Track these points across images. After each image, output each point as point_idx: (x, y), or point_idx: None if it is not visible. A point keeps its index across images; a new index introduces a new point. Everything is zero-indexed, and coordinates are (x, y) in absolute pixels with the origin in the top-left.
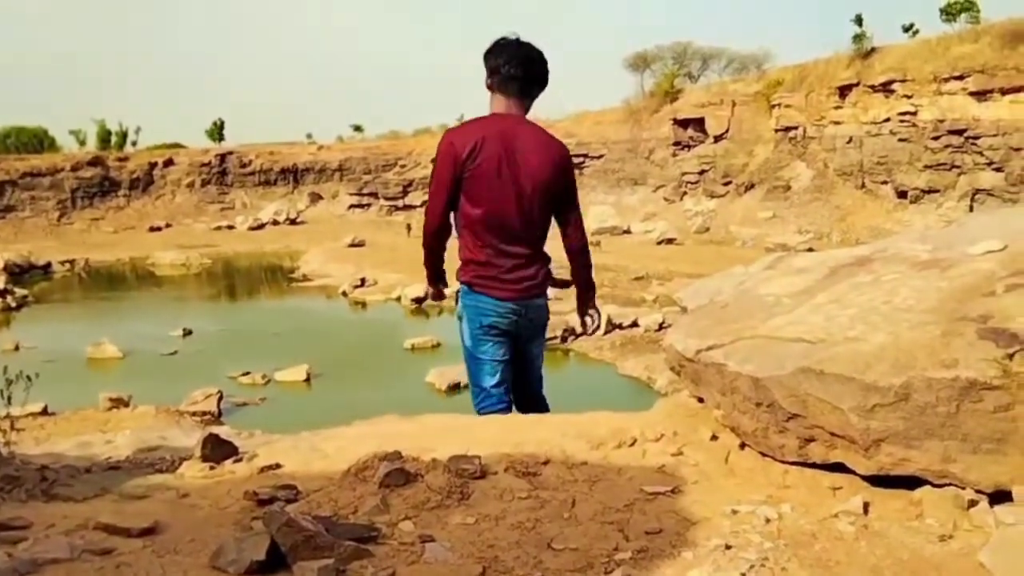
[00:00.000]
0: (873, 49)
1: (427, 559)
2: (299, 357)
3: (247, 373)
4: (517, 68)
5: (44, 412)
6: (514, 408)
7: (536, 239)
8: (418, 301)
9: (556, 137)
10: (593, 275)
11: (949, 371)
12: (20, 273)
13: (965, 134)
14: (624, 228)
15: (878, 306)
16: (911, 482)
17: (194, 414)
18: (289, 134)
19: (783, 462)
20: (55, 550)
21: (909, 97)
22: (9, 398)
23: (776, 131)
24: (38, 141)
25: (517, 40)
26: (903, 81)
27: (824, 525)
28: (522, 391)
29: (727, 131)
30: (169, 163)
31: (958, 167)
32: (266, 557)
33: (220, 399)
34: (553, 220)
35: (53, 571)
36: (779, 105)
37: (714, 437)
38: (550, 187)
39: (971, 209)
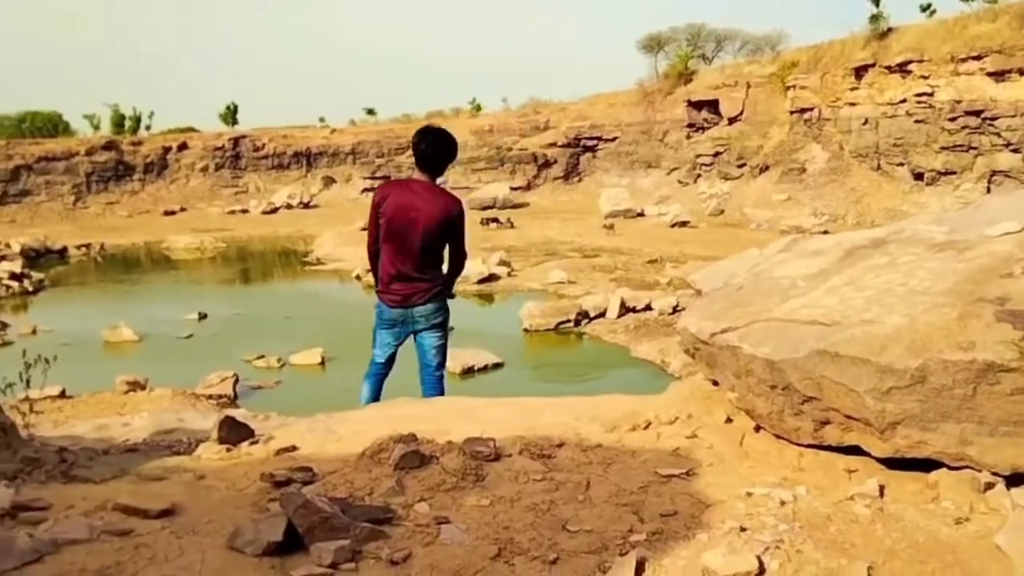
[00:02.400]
0: (890, 29)
1: (443, 540)
2: (313, 340)
3: (262, 356)
4: (428, 147)
5: (62, 395)
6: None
7: (422, 267)
8: None
9: (453, 196)
10: (455, 281)
11: (966, 353)
12: (36, 257)
13: (982, 115)
14: (638, 211)
15: (894, 288)
16: (927, 464)
17: (210, 397)
18: (302, 117)
19: (798, 445)
20: (75, 531)
21: (926, 78)
22: (28, 381)
23: (791, 113)
24: (52, 126)
25: (428, 128)
26: (920, 61)
27: (839, 507)
28: (421, 368)
29: (741, 113)
30: (183, 147)
31: (975, 148)
32: (283, 538)
33: (236, 382)
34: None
35: (73, 551)
36: (794, 86)
37: (729, 420)
38: (435, 232)
39: (988, 191)
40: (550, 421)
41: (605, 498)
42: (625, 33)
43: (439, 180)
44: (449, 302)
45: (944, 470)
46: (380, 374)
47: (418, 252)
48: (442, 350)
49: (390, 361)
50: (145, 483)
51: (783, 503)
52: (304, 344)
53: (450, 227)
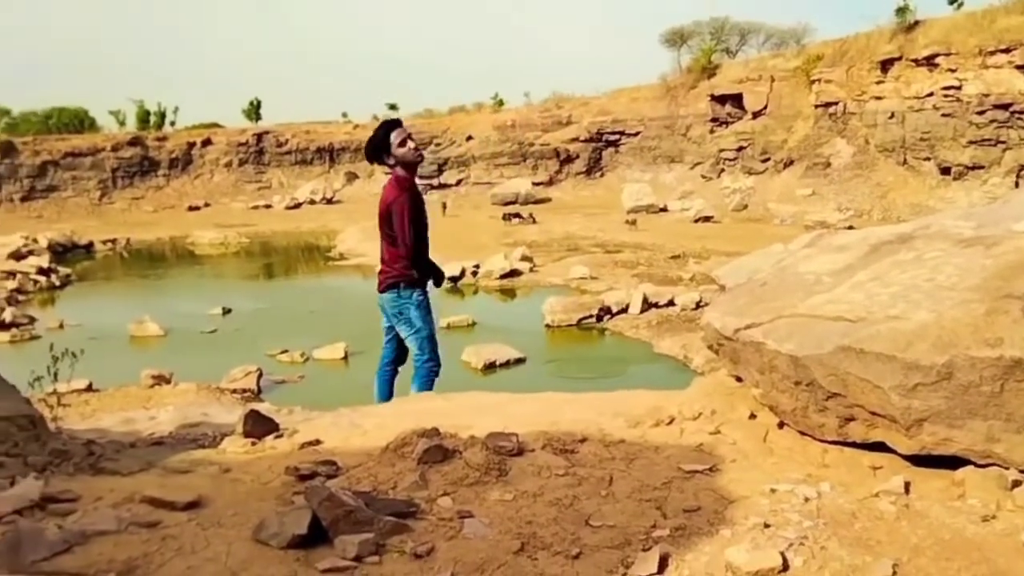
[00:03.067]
0: (916, 22)
1: (466, 534)
2: (336, 335)
3: (286, 351)
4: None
5: (89, 388)
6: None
7: (384, 255)
8: (453, 280)
9: (393, 188)
10: (427, 261)
11: (993, 350)
12: (63, 252)
13: (1011, 108)
14: (660, 206)
15: (920, 284)
16: (953, 462)
17: (234, 391)
18: (324, 113)
19: (822, 441)
20: (103, 522)
21: (953, 71)
22: (56, 374)
23: (816, 107)
24: (79, 122)
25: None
26: (947, 55)
27: (864, 504)
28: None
29: (766, 107)
30: (207, 143)
31: (1003, 143)
32: (308, 531)
33: (259, 376)
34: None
35: (101, 543)
36: (819, 80)
37: (752, 416)
38: (384, 221)
39: (1016, 185)
40: (573, 416)
41: (628, 493)
42: (648, 27)
43: (391, 169)
44: (472, 298)
45: (970, 467)
46: (385, 368)
47: (382, 240)
48: (416, 340)
49: (393, 353)
50: (171, 476)
51: (807, 499)
52: (327, 339)
53: (389, 216)
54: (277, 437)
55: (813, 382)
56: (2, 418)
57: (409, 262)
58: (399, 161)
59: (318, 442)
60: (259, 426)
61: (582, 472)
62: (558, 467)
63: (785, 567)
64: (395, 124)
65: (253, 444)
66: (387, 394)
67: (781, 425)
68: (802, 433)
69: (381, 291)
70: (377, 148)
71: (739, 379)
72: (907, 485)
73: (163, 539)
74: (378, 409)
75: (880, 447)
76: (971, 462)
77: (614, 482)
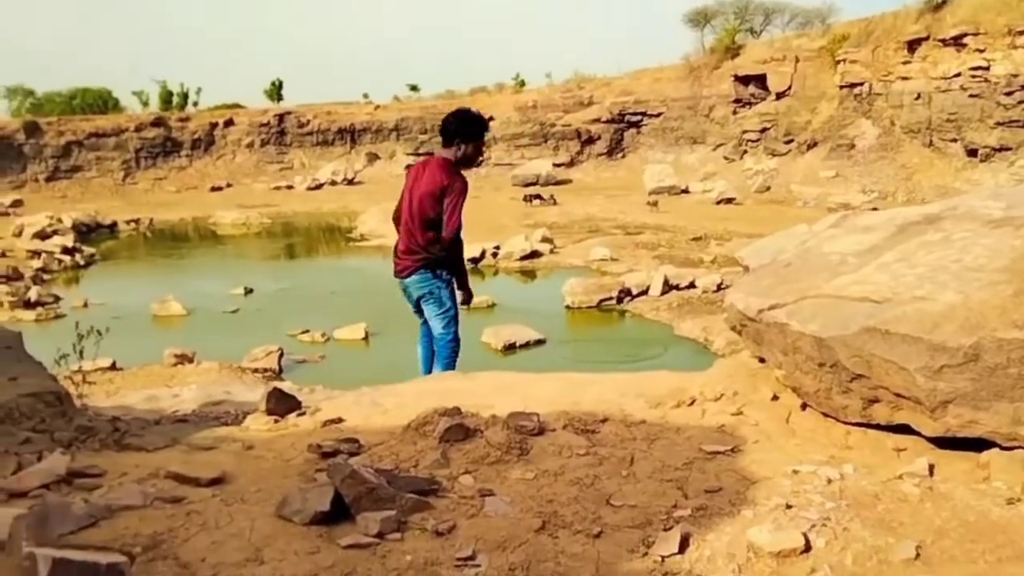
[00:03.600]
0: (944, 1)
1: (487, 512)
2: (357, 315)
3: (307, 331)
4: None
5: (112, 367)
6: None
7: (415, 240)
8: (474, 261)
9: (444, 170)
10: (463, 264)
11: (1021, 331)
12: (87, 232)
13: None
14: (682, 188)
15: (948, 265)
16: (978, 444)
17: (256, 371)
18: (346, 94)
19: (845, 423)
20: (128, 497)
21: (981, 51)
22: (81, 352)
23: (841, 87)
24: (102, 102)
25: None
26: (975, 34)
27: (888, 486)
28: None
29: (790, 88)
30: (229, 123)
31: None
32: (330, 508)
33: (281, 356)
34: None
35: (127, 517)
36: (844, 60)
37: (775, 397)
38: (424, 205)
39: None
40: (594, 397)
41: (649, 473)
42: (671, 7)
43: (451, 153)
44: (492, 279)
45: (996, 450)
46: (424, 340)
47: (412, 222)
48: (445, 318)
49: (424, 327)
50: (195, 452)
51: (830, 481)
52: (348, 319)
53: (436, 197)
54: (299, 415)
55: (837, 363)
56: (29, 394)
57: (445, 247)
58: (465, 155)
59: (340, 420)
60: (282, 404)
61: (603, 452)
62: (579, 447)
63: (807, 548)
64: (487, 128)
65: (276, 422)
66: (428, 365)
67: (804, 407)
68: (825, 415)
69: (406, 276)
70: (463, 130)
71: (762, 360)
72: (931, 467)
73: (187, 514)
74: (399, 388)
75: (904, 429)
76: (996, 444)
77: (635, 462)
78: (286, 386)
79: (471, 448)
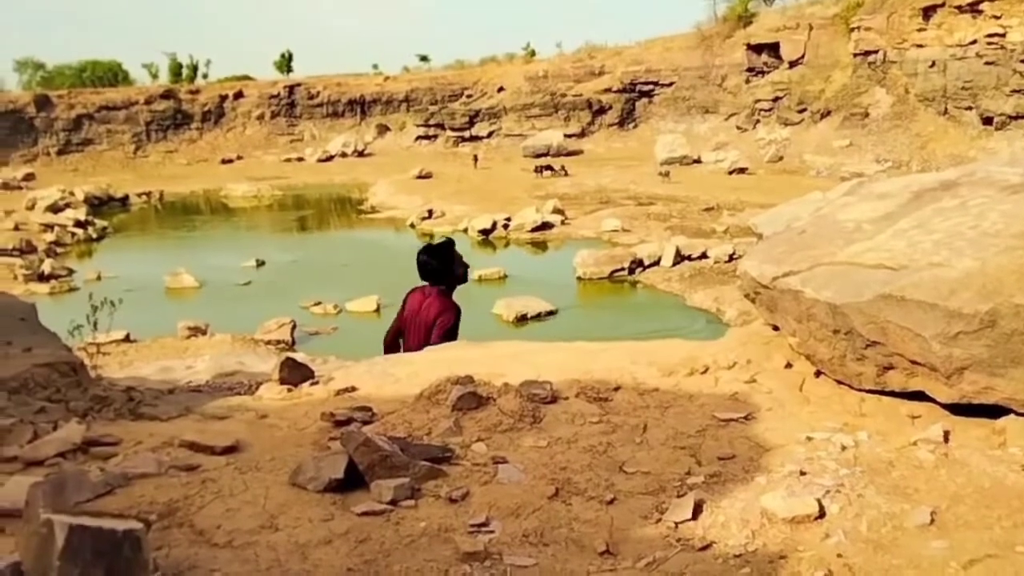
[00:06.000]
0: None
1: (500, 479)
2: (369, 287)
3: (319, 303)
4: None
5: (127, 339)
6: None
7: None
8: (485, 233)
9: (441, 301)
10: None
11: None
12: (99, 205)
13: None
14: (694, 158)
15: (964, 231)
16: (993, 411)
17: (268, 342)
18: (355, 65)
19: (860, 390)
20: (144, 465)
21: (998, 17)
22: (95, 324)
23: (855, 55)
24: (112, 75)
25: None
26: (992, 0)
27: (902, 453)
28: None
29: (803, 56)
30: (239, 95)
31: None
32: (344, 475)
33: (293, 328)
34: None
35: (142, 485)
36: (858, 28)
37: (788, 365)
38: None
39: None
40: (606, 365)
41: (662, 441)
42: None
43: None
44: (503, 251)
45: (1012, 416)
46: None
47: (406, 345)
48: None
49: None
50: (209, 421)
51: (844, 448)
52: (360, 291)
53: (429, 327)
54: (313, 384)
55: (852, 330)
56: (44, 364)
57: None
58: (458, 282)
59: (353, 389)
60: (295, 373)
61: (616, 420)
62: (592, 414)
63: (821, 514)
64: (453, 242)
65: (289, 391)
66: None
67: (818, 374)
68: (839, 382)
69: None
70: (446, 268)
71: (775, 328)
72: (946, 434)
73: (202, 482)
74: (411, 357)
75: (919, 396)
76: (1012, 411)
77: (648, 430)
78: (299, 357)
79: (484, 416)
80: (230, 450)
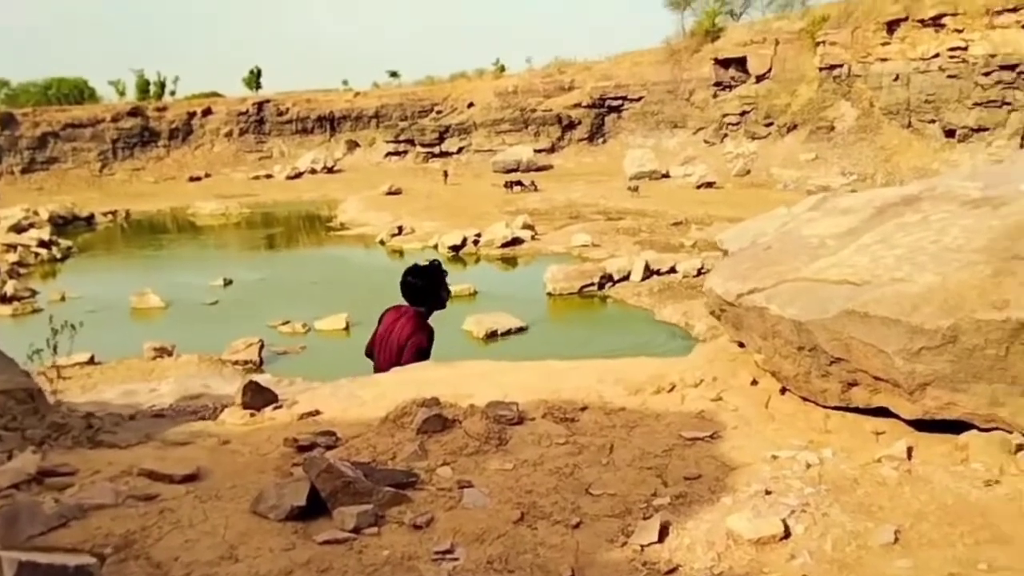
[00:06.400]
0: None
1: (465, 504)
2: (338, 305)
3: (287, 322)
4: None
5: (91, 361)
6: None
7: None
8: (455, 249)
9: (413, 323)
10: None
11: (1000, 312)
12: (64, 224)
13: (1017, 69)
14: (663, 172)
15: (926, 246)
16: (956, 426)
17: (236, 363)
18: (325, 81)
19: (824, 407)
20: (100, 496)
21: (960, 31)
22: (55, 347)
23: (820, 69)
24: (78, 92)
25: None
26: (954, 15)
27: (867, 470)
28: None
29: (770, 70)
30: (207, 112)
31: (1009, 104)
32: (306, 503)
33: (261, 348)
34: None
35: (99, 516)
36: (824, 42)
37: (754, 382)
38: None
39: (1022, 147)
40: (574, 384)
41: (629, 461)
42: None
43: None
44: (474, 267)
45: (974, 431)
46: None
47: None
48: None
49: None
50: (170, 448)
51: (809, 466)
52: (329, 309)
53: (400, 348)
54: (276, 408)
55: (816, 347)
56: (0, 391)
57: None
58: (439, 306)
59: (317, 413)
60: (258, 397)
61: (583, 440)
62: (558, 435)
63: (787, 534)
64: (440, 264)
65: (252, 415)
66: None
67: (783, 391)
68: (804, 399)
69: None
70: (431, 290)
71: (741, 345)
72: (910, 450)
73: (161, 512)
74: (378, 379)
75: (883, 412)
76: (975, 426)
77: (615, 450)
78: (265, 378)
79: (449, 439)
80: (190, 478)
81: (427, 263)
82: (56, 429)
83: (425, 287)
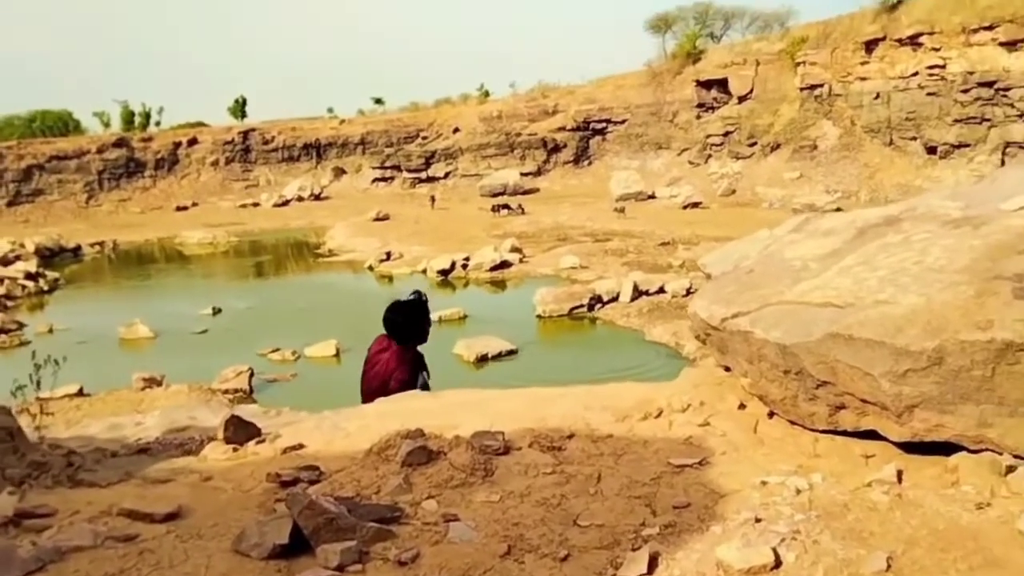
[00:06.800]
0: (899, 1)
1: (451, 538)
2: (328, 332)
3: (277, 349)
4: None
5: (79, 393)
6: None
7: None
8: (444, 273)
9: (397, 358)
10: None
11: (984, 333)
12: (51, 256)
13: (995, 86)
14: (649, 193)
15: (908, 267)
16: (946, 448)
17: (226, 392)
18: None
19: (813, 430)
20: (79, 537)
21: (937, 50)
22: (38, 383)
23: (801, 89)
24: (63, 124)
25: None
26: (931, 33)
27: (857, 495)
28: None
29: (751, 91)
30: (193, 142)
31: (988, 120)
32: (289, 540)
33: (251, 376)
34: None
35: (77, 559)
36: (804, 63)
37: (742, 406)
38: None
39: (1003, 163)
40: (560, 412)
41: (616, 491)
42: (633, 13)
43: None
44: (463, 291)
45: (963, 453)
46: None
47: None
48: None
49: None
50: (151, 486)
51: (799, 491)
52: (319, 336)
53: (386, 381)
54: (259, 442)
55: (802, 370)
56: None
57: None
58: (421, 340)
59: (301, 446)
60: (241, 432)
61: (570, 470)
62: (545, 465)
63: (777, 563)
64: (421, 297)
65: (235, 450)
66: None
67: (771, 415)
68: (792, 423)
69: None
70: (412, 327)
71: (728, 369)
72: (900, 473)
73: (140, 554)
74: (362, 410)
75: (872, 435)
76: (964, 448)
77: (602, 479)
78: (250, 410)
79: (434, 471)
80: (171, 517)
81: (410, 297)
82: (36, 468)
83: (405, 324)
